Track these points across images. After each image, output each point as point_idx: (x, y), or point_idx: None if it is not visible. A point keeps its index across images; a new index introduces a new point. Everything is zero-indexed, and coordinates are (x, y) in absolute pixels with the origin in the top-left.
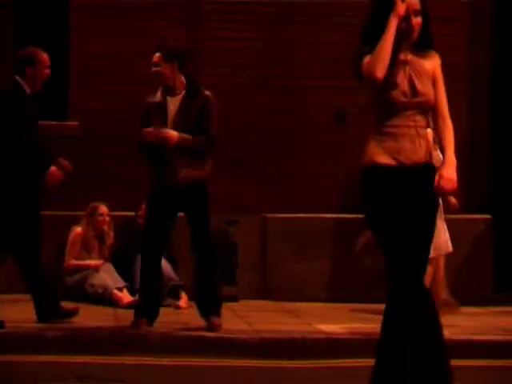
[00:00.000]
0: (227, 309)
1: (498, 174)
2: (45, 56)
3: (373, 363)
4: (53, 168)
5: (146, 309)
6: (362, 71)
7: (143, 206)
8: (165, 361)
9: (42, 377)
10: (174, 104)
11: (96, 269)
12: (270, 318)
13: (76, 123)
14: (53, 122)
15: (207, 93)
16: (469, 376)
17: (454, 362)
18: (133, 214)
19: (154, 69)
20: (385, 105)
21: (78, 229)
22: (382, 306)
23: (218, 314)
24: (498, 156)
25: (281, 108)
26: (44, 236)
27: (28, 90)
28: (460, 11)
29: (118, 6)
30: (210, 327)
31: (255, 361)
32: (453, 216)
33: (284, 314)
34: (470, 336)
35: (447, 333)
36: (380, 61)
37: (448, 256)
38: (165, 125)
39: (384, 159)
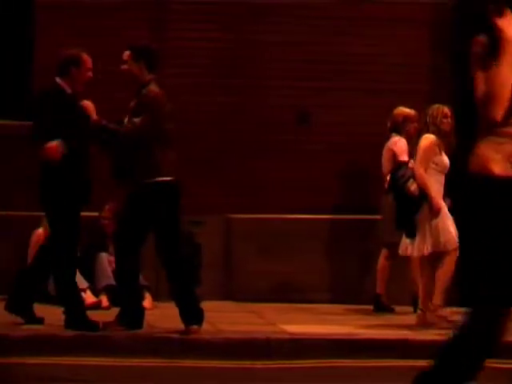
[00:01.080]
0: None
1: (460, 175)
2: (88, 57)
3: (338, 364)
4: (56, 143)
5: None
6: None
7: (107, 207)
8: (129, 361)
9: (4, 378)
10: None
11: None
12: (234, 318)
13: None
14: (14, 122)
15: (150, 90)
16: None
17: (418, 363)
18: (96, 214)
19: (122, 66)
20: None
21: (40, 230)
22: (345, 307)
23: (190, 322)
24: (460, 157)
25: (244, 108)
26: (4, 236)
27: (69, 91)
28: (422, 13)
29: (82, 6)
30: (185, 332)
31: (219, 361)
32: None
33: (248, 314)
34: (433, 336)
35: (411, 333)
36: (498, 104)
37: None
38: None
39: (500, 168)
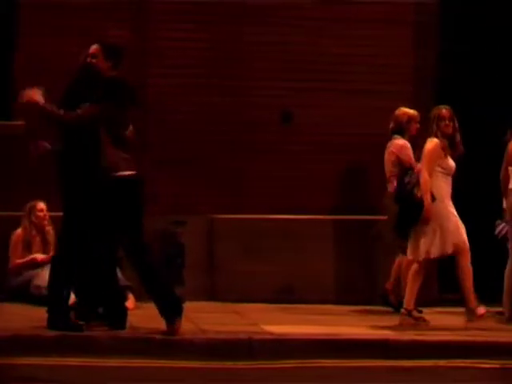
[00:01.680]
0: None
1: None
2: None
3: (320, 364)
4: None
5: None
6: None
7: None
8: (111, 362)
9: None
10: None
11: (41, 266)
12: (216, 318)
13: (20, 123)
14: None
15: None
16: (414, 376)
17: (399, 363)
18: None
19: (89, 59)
20: None
21: (19, 230)
22: (329, 307)
23: (170, 320)
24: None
25: (228, 108)
26: None
27: None
28: (406, 14)
29: (63, 5)
30: (167, 331)
31: (201, 362)
32: None
33: (231, 314)
34: (414, 337)
35: (391, 334)
36: None
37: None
38: None
39: None
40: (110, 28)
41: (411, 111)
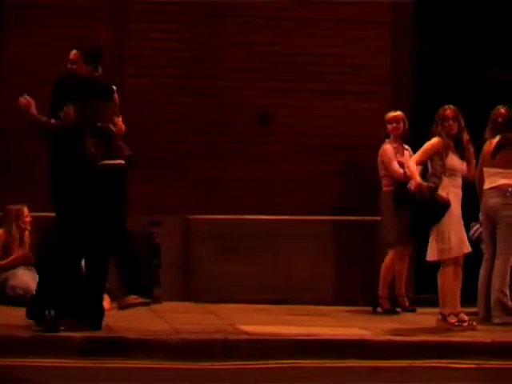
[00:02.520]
0: (150, 310)
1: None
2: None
3: (296, 364)
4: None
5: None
6: None
7: None
8: (84, 363)
9: None
10: None
11: (18, 266)
12: (192, 319)
13: None
14: None
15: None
16: (390, 376)
17: (375, 363)
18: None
19: (69, 66)
20: None
21: (0, 231)
22: (306, 308)
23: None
24: None
25: (205, 109)
26: None
27: None
28: (382, 14)
29: (40, 5)
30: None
31: (177, 362)
32: (375, 218)
33: (207, 315)
34: (390, 337)
35: (368, 334)
36: None
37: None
38: None
39: None
40: (89, 28)
41: (392, 113)
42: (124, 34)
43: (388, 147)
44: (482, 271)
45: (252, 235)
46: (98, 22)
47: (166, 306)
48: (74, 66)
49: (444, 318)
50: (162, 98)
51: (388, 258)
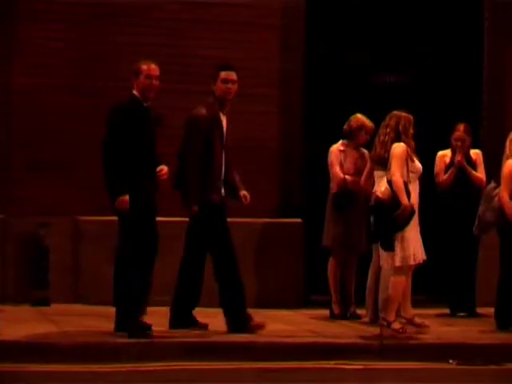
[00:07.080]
0: (38, 313)
1: (310, 179)
2: (146, 67)
3: (188, 366)
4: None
5: None
6: None
7: None
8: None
9: None
10: None
11: None
12: (82, 321)
13: None
14: None
15: None
16: (283, 377)
17: (264, 365)
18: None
19: None
20: None
21: None
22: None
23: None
24: (309, 160)
25: (94, 110)
26: None
27: (143, 102)
28: (272, 17)
29: None
30: None
31: (66, 365)
32: (266, 220)
33: (97, 317)
34: (281, 339)
35: (259, 336)
36: None
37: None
38: None
39: None
40: None
41: (366, 121)
42: (13, 32)
43: (333, 149)
44: (370, 274)
45: None
46: None
47: (55, 308)
48: None
49: (389, 324)
50: (50, 99)
51: (329, 264)
